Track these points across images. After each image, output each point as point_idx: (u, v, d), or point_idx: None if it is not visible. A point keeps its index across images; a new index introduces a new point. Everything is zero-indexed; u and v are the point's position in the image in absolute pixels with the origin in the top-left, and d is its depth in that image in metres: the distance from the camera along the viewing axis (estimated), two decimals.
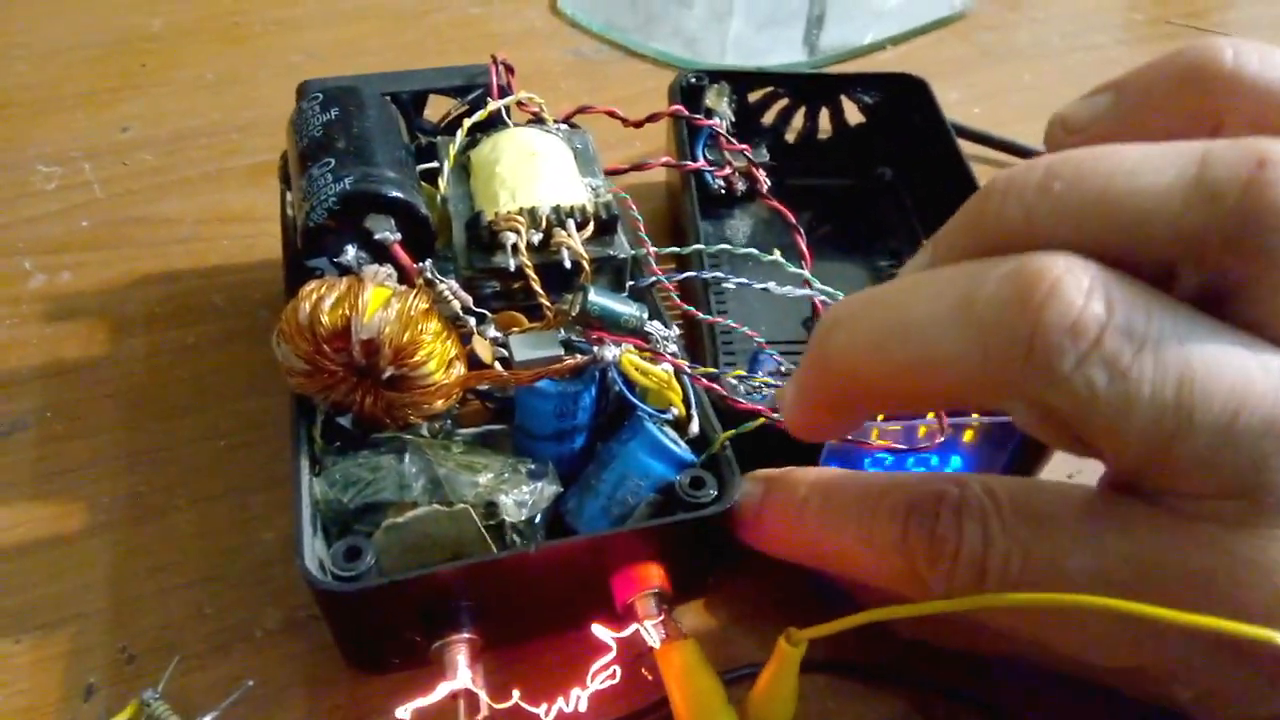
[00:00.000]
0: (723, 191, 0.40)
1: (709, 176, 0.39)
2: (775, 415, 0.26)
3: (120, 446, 0.32)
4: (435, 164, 0.32)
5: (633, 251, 0.29)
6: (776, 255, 0.31)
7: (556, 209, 0.28)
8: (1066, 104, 0.25)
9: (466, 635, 0.24)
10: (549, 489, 0.26)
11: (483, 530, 0.25)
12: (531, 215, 0.27)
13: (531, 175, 0.29)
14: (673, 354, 0.27)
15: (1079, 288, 0.17)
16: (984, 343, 0.18)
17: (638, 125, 0.37)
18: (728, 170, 0.38)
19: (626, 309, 0.27)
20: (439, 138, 0.32)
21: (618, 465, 0.26)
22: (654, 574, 0.26)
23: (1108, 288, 0.18)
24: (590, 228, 0.28)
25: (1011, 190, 0.19)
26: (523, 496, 0.25)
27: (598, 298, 0.26)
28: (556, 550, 0.24)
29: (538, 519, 0.26)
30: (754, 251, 0.31)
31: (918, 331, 0.19)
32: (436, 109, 0.36)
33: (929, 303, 0.19)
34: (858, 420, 0.24)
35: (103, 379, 0.34)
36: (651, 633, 0.24)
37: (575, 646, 0.26)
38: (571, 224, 0.28)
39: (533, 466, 0.26)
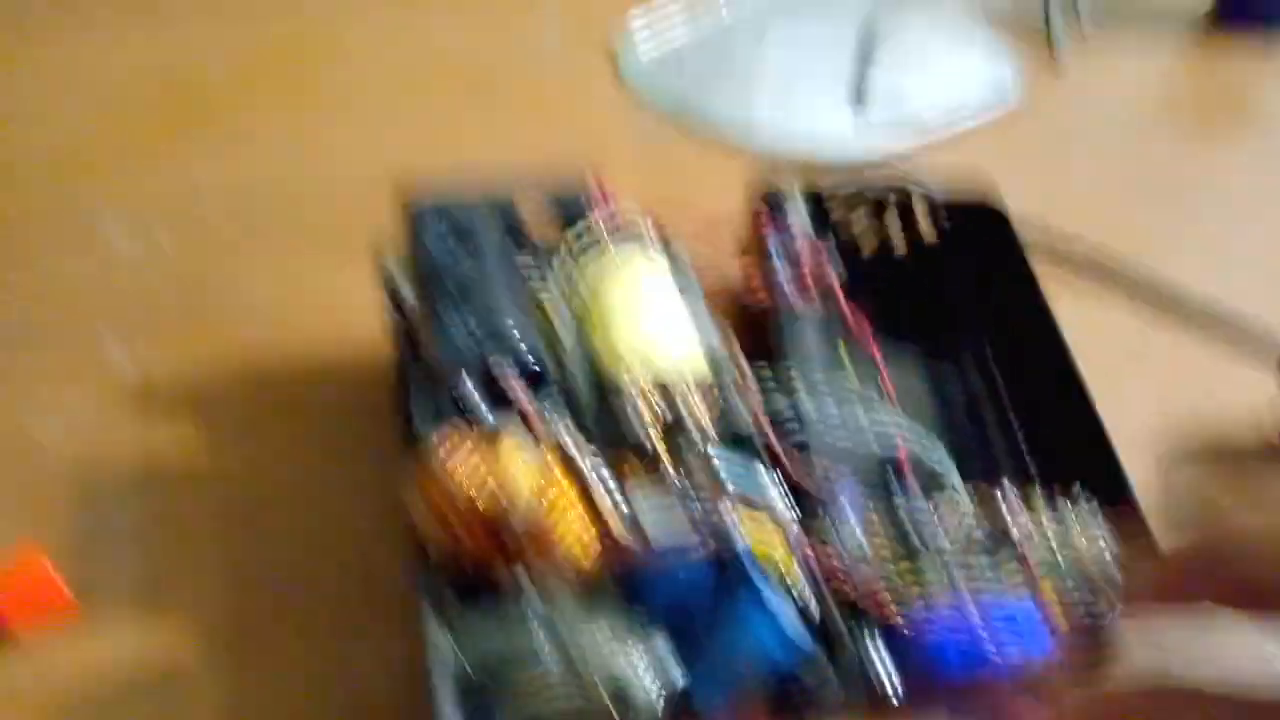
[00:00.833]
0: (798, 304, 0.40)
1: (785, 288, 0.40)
2: (894, 612, 0.27)
3: (221, 566, 0.32)
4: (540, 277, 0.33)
5: (750, 417, 0.30)
6: (872, 396, 0.32)
7: (682, 375, 0.28)
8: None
9: None
10: (675, 672, 0.27)
11: (612, 710, 0.26)
12: (659, 383, 0.28)
13: (647, 321, 0.30)
14: (796, 534, 0.28)
15: None
16: None
17: (725, 245, 0.38)
18: (814, 299, 0.39)
19: (755, 491, 0.28)
20: (549, 263, 0.32)
21: (736, 641, 0.27)
22: None
23: None
24: (713, 392, 0.29)
25: None
26: (652, 684, 0.26)
27: (730, 481, 0.27)
28: None
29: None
30: (859, 412, 0.32)
31: None
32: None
33: None
34: None
35: (201, 486, 0.34)
36: None
37: None
38: (698, 394, 0.28)
39: (659, 644, 0.27)
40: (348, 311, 0.40)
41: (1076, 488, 0.33)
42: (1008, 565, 0.31)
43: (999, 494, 0.32)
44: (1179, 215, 0.53)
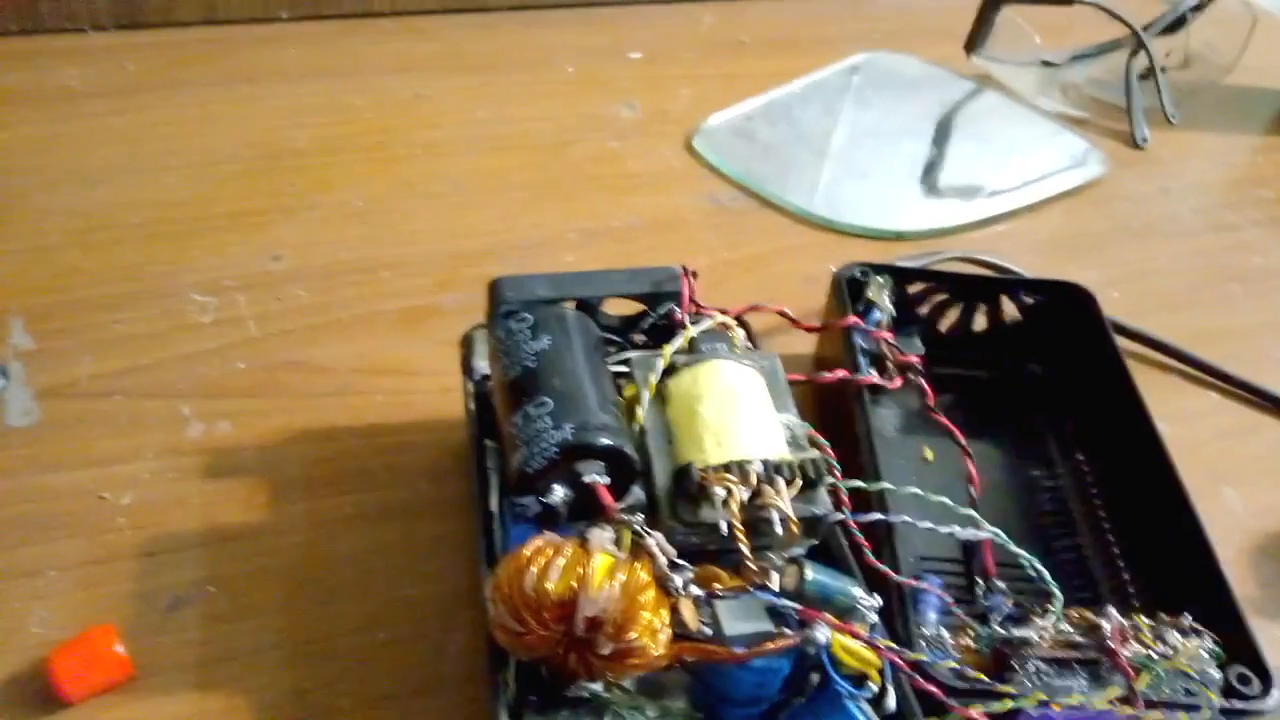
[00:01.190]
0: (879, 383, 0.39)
1: (867, 371, 0.39)
2: (986, 715, 0.25)
3: (283, 633, 0.32)
4: (624, 366, 0.32)
5: (831, 508, 0.28)
6: (960, 507, 0.30)
7: (766, 465, 0.27)
8: None
9: None
10: None
11: None
12: (742, 471, 0.27)
13: (735, 419, 0.29)
14: (873, 625, 0.27)
15: None
16: None
17: (809, 330, 0.37)
18: (898, 381, 0.38)
19: (839, 586, 0.26)
20: (634, 355, 0.32)
21: None
22: None
23: None
24: (798, 484, 0.28)
25: None
26: None
27: (816, 576, 0.26)
28: None
29: None
30: (946, 501, 0.31)
31: None
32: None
33: None
34: None
35: (263, 550, 0.34)
36: None
37: None
38: (781, 482, 0.27)
39: None
40: (422, 387, 0.40)
41: (1186, 618, 0.31)
42: (1104, 678, 0.29)
43: (1103, 618, 0.30)
44: (1265, 305, 0.51)
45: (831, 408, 0.39)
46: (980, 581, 0.35)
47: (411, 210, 0.50)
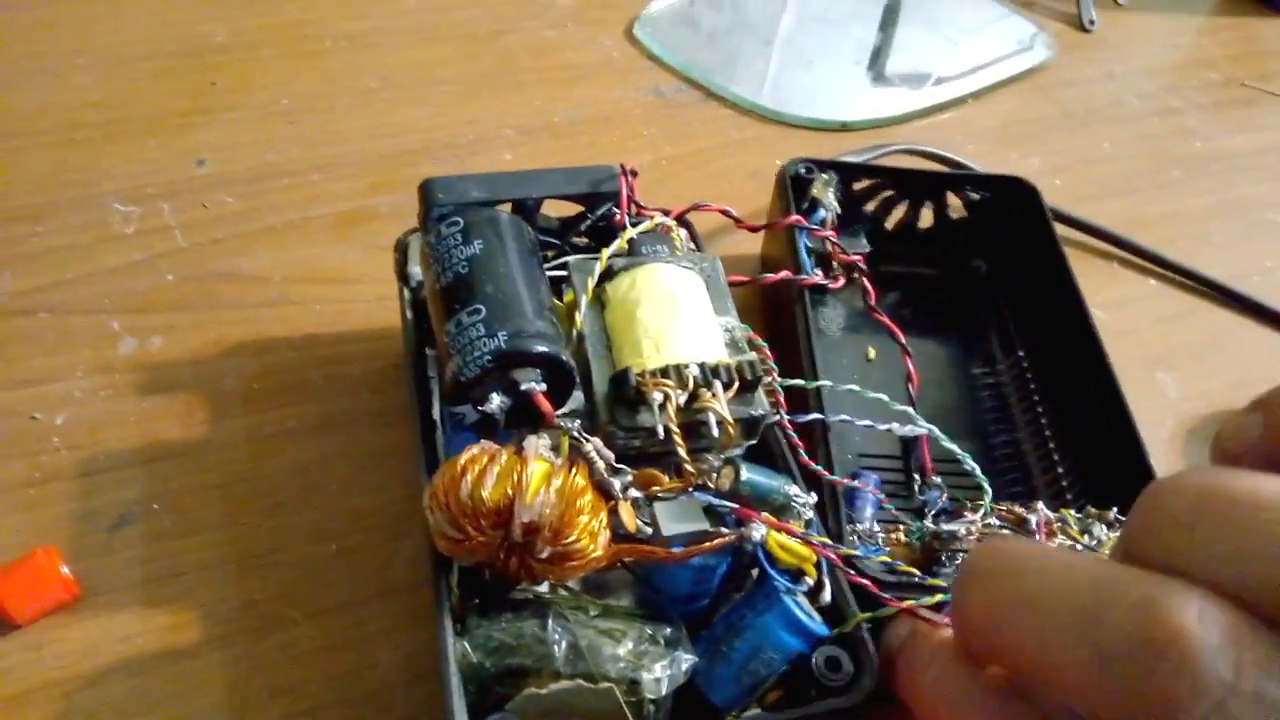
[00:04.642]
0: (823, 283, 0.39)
1: (810, 267, 0.39)
2: (918, 608, 0.26)
3: (230, 547, 0.32)
4: (561, 270, 0.32)
5: (771, 411, 0.29)
6: (898, 404, 0.31)
7: (704, 368, 0.27)
8: (1222, 423, 0.24)
9: None
10: (685, 660, 0.26)
11: (625, 708, 0.25)
12: (679, 375, 0.27)
13: (674, 324, 0.29)
14: (808, 521, 0.27)
15: (1209, 643, 0.17)
16: (1103, 667, 0.19)
17: (754, 230, 0.37)
18: (840, 281, 0.38)
19: (774, 485, 0.27)
20: (571, 260, 0.31)
21: (752, 636, 0.27)
22: None
23: (1239, 643, 0.17)
24: (735, 387, 0.28)
25: (1151, 519, 0.20)
26: (662, 672, 0.26)
27: (749, 476, 0.26)
28: None
29: None
30: (884, 398, 0.31)
31: (1048, 622, 0.19)
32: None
33: (1062, 597, 0.19)
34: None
35: (206, 465, 0.34)
36: None
37: None
38: (718, 385, 0.27)
39: (668, 633, 0.27)
40: (359, 295, 0.39)
41: (1113, 512, 0.32)
42: None
43: (1031, 512, 0.31)
44: (1206, 190, 0.52)
45: (775, 308, 0.39)
46: (917, 478, 0.36)
47: (340, 108, 0.48)
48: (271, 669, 0.29)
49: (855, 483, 0.31)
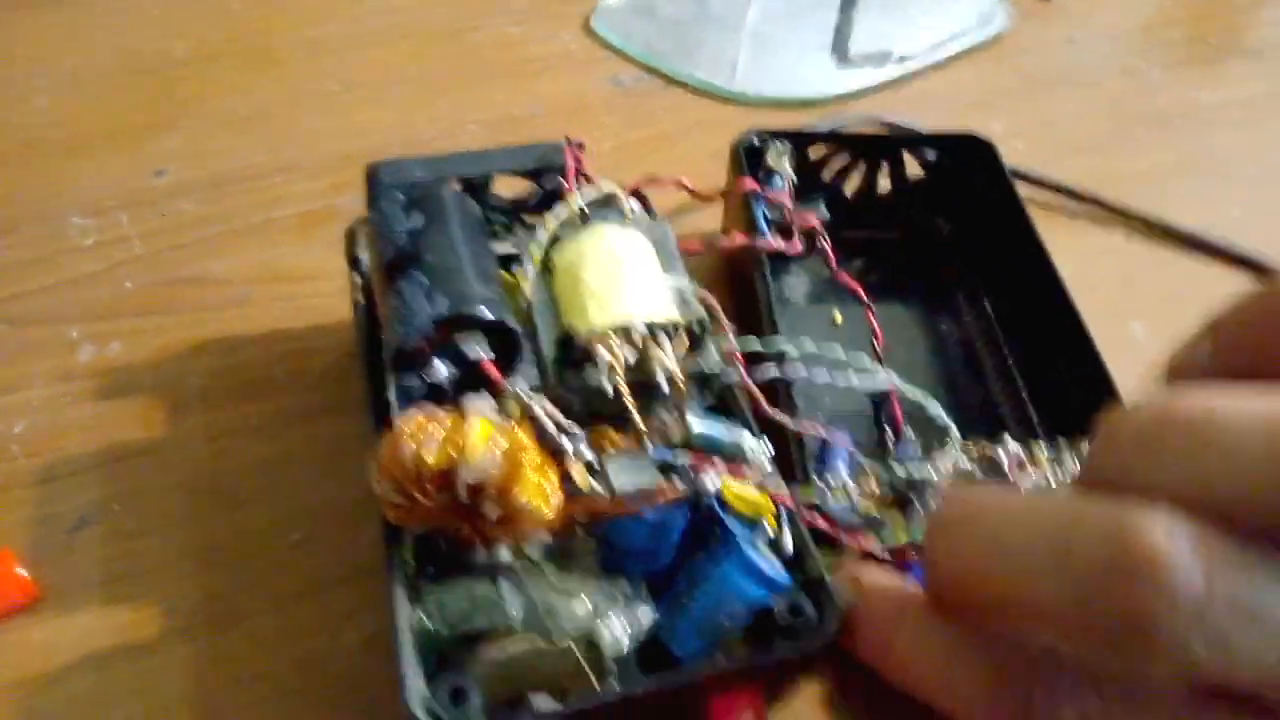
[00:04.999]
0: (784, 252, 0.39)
1: (769, 236, 0.38)
2: (876, 551, 0.26)
3: (191, 542, 0.32)
4: (512, 247, 0.32)
5: (723, 365, 0.28)
6: (865, 360, 0.31)
7: (650, 325, 0.27)
8: (1175, 349, 0.24)
9: None
10: (645, 616, 0.26)
11: (584, 664, 0.25)
12: (626, 333, 0.27)
13: (620, 284, 0.28)
14: (766, 471, 0.27)
15: (1180, 557, 0.17)
16: (1078, 598, 0.18)
17: (708, 199, 0.37)
18: (797, 245, 0.37)
19: (726, 436, 0.26)
20: (519, 230, 0.31)
21: (712, 588, 0.26)
22: (751, 695, 0.26)
23: (1209, 553, 0.17)
24: (683, 341, 0.28)
25: (1111, 444, 0.19)
26: (621, 628, 0.25)
27: (700, 428, 0.26)
28: (659, 690, 0.24)
29: None
30: (840, 355, 0.31)
31: (1019, 563, 0.19)
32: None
33: (1030, 536, 0.19)
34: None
35: (166, 465, 0.33)
36: None
37: None
38: (666, 341, 0.27)
39: (627, 589, 0.26)
40: (321, 291, 0.39)
41: (1085, 442, 0.31)
42: None
43: (1000, 447, 0.31)
44: (1171, 145, 0.51)
45: (738, 280, 0.39)
46: (890, 433, 0.36)
47: (300, 113, 0.48)
48: (235, 659, 0.29)
49: (819, 429, 0.30)
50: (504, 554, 0.26)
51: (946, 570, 0.21)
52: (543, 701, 0.25)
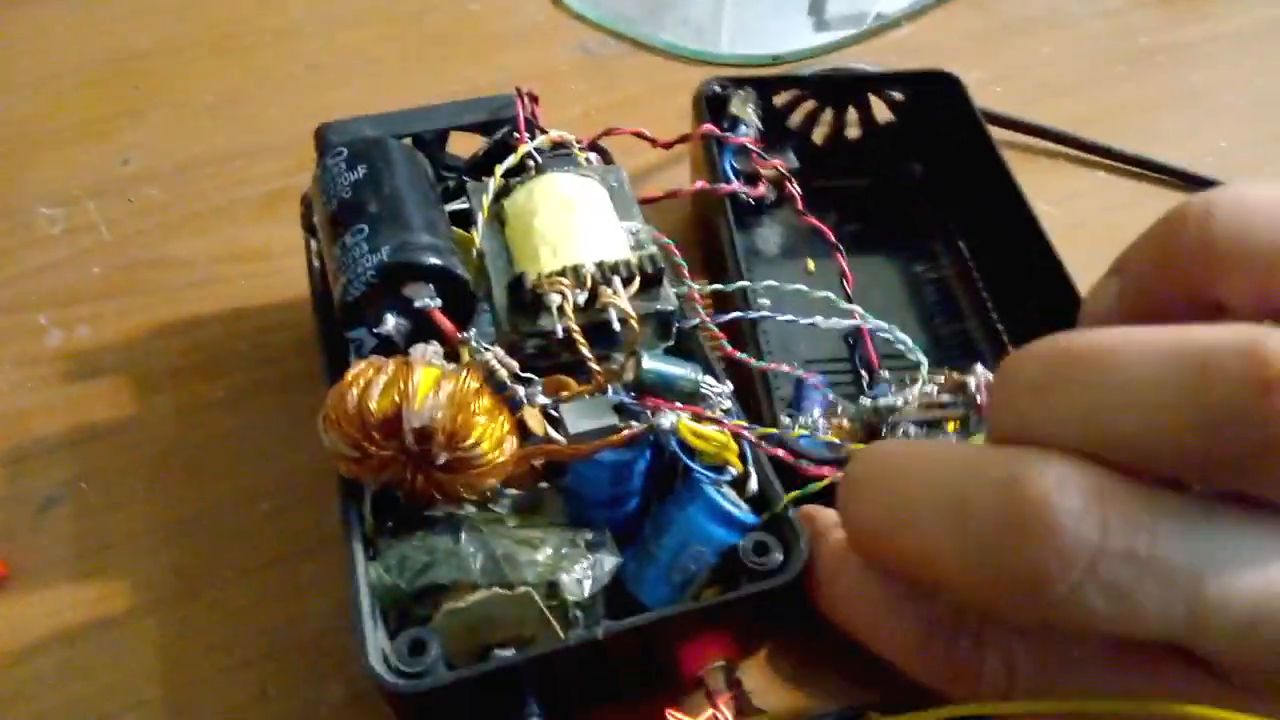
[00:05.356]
0: (753, 203, 0.38)
1: (741, 193, 0.38)
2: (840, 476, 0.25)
3: (159, 516, 0.31)
4: (465, 204, 0.31)
5: (678, 303, 0.28)
6: (829, 295, 0.30)
7: (601, 266, 0.27)
8: (1089, 289, 0.23)
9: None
10: (608, 561, 0.25)
11: (545, 612, 0.24)
12: (576, 274, 0.26)
13: (571, 228, 0.28)
14: (727, 410, 0.26)
15: (1070, 508, 0.16)
16: (977, 554, 0.17)
17: (667, 146, 0.36)
18: (761, 188, 0.37)
19: (680, 372, 0.26)
20: (470, 182, 0.30)
21: (677, 531, 0.26)
22: (721, 643, 0.25)
23: (1103, 503, 0.16)
24: (636, 282, 0.27)
25: (1006, 390, 0.19)
26: (583, 573, 0.25)
27: (652, 365, 0.25)
28: (622, 634, 0.24)
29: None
30: (802, 289, 0.30)
31: (922, 520, 0.19)
32: (461, 139, 0.35)
33: (932, 491, 0.19)
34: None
35: (134, 443, 0.33)
36: (724, 713, 0.24)
37: None
38: (618, 281, 0.27)
39: (590, 537, 0.26)
40: (287, 267, 0.39)
41: None
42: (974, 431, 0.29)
43: (970, 375, 0.30)
44: (1153, 82, 0.50)
45: (707, 232, 0.39)
46: (865, 374, 0.35)
47: (266, 98, 0.47)
48: (204, 628, 0.29)
49: (785, 367, 0.30)
50: (467, 508, 0.25)
51: (857, 528, 0.21)
52: (507, 654, 0.24)
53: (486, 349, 0.26)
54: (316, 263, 0.32)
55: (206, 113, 0.46)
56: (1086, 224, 0.43)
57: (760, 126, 0.39)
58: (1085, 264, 0.35)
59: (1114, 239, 0.41)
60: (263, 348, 0.36)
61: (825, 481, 0.25)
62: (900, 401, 0.29)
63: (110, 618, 0.29)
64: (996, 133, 0.42)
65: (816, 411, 0.32)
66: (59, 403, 0.34)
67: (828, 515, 0.25)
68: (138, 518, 0.31)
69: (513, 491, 0.28)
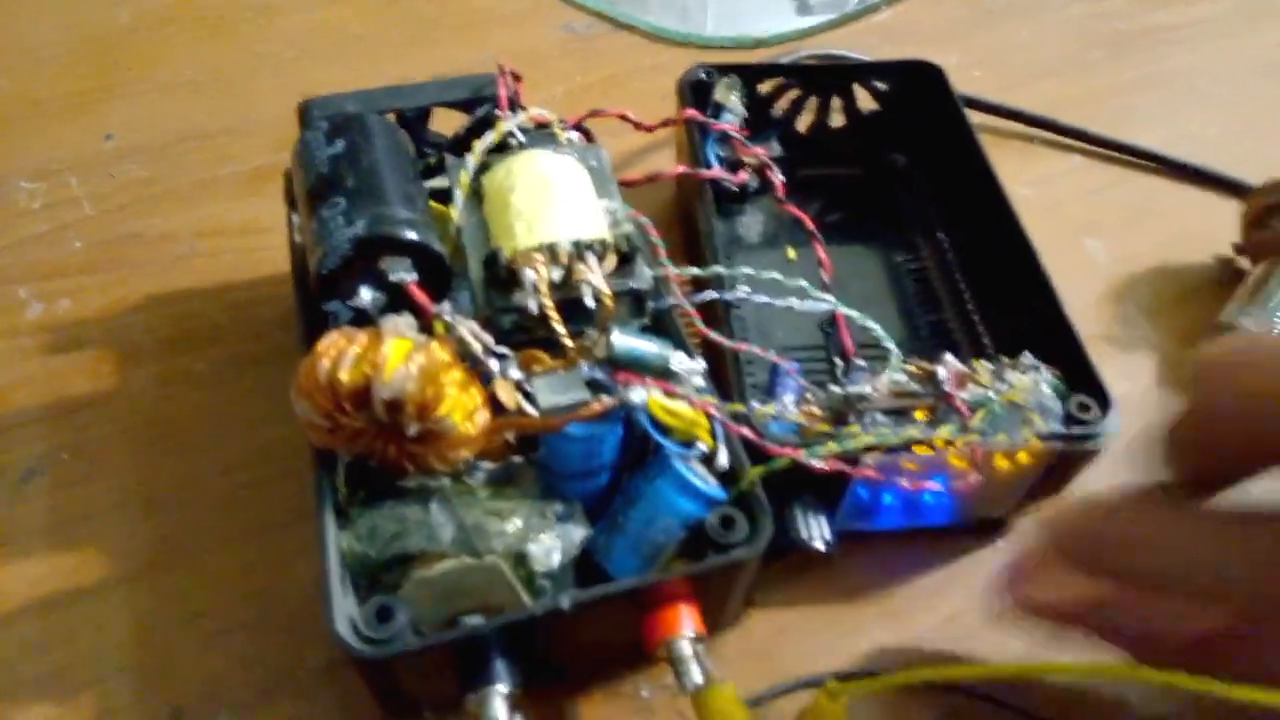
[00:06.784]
0: (735, 189, 0.39)
1: (723, 180, 0.38)
2: (805, 456, 0.25)
3: (140, 487, 0.32)
4: (445, 182, 0.31)
5: (653, 281, 0.28)
6: (803, 284, 0.30)
7: (576, 244, 0.27)
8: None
9: (502, 687, 0.24)
10: (577, 533, 0.26)
11: (514, 581, 0.25)
12: (551, 251, 0.27)
13: (548, 205, 0.28)
14: (699, 388, 0.27)
15: None
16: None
17: (651, 130, 0.36)
18: (743, 175, 0.37)
19: (652, 349, 0.26)
20: (449, 158, 0.31)
21: (646, 505, 0.26)
22: (687, 615, 0.26)
23: None
24: (611, 259, 0.27)
25: None
26: (551, 543, 0.25)
27: (623, 341, 0.26)
28: (589, 604, 0.24)
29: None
30: (778, 277, 0.31)
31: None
32: (445, 117, 0.35)
33: None
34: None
35: (114, 415, 0.34)
36: (688, 675, 0.24)
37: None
38: (592, 259, 0.27)
39: (559, 508, 0.26)
40: (269, 243, 0.39)
41: (1025, 356, 0.31)
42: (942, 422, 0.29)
43: (939, 365, 0.30)
44: (1130, 66, 0.51)
45: (689, 218, 0.39)
46: (840, 362, 0.35)
47: (250, 75, 0.47)
48: (184, 596, 0.29)
49: (758, 351, 0.30)
50: (441, 479, 0.26)
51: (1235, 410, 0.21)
52: (473, 622, 0.25)
53: (461, 323, 0.26)
54: (298, 237, 0.32)
55: (190, 89, 0.46)
56: (1061, 205, 0.43)
57: (745, 114, 0.40)
58: (1061, 241, 0.35)
59: (1091, 217, 0.43)
60: (245, 322, 0.36)
61: (789, 460, 0.26)
62: (869, 390, 0.29)
63: (90, 587, 0.29)
64: (975, 117, 0.43)
65: (789, 398, 0.32)
66: (39, 375, 0.35)
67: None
68: (118, 489, 0.32)
69: (487, 464, 0.28)
